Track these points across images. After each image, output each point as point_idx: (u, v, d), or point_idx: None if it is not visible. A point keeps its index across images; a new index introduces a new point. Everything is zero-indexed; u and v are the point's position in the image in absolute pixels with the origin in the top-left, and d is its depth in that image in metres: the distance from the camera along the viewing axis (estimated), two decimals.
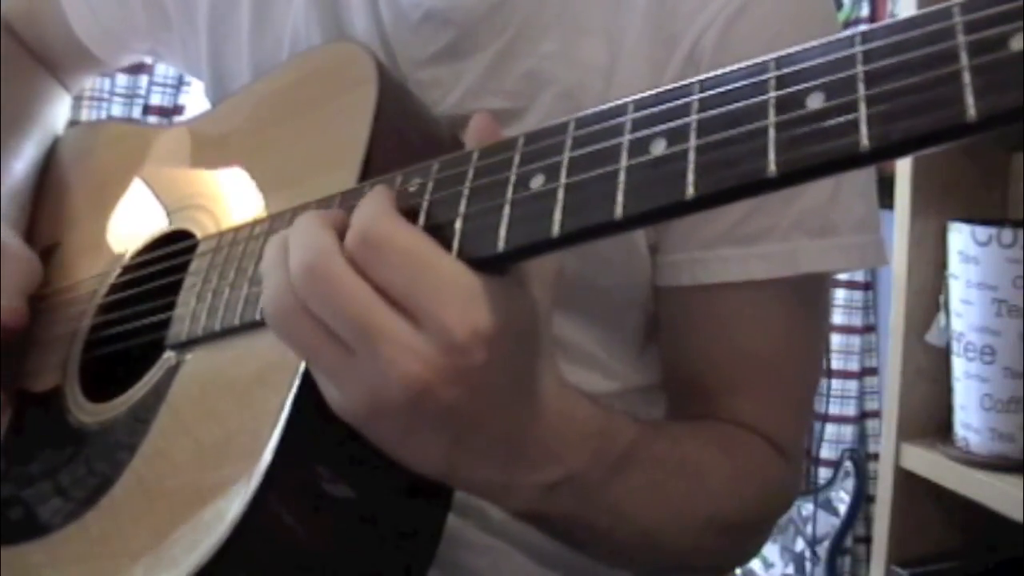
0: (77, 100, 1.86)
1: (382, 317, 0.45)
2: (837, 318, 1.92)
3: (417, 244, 0.46)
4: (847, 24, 1.86)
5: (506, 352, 0.47)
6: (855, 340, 1.94)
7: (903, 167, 1.41)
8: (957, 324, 1.34)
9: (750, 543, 0.72)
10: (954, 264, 1.34)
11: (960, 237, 1.32)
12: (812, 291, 0.70)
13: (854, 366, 1.94)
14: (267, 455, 0.50)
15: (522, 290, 0.48)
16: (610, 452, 0.56)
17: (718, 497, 0.64)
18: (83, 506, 0.61)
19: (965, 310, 1.32)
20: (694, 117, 0.41)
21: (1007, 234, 1.28)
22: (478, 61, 0.69)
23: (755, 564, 2.01)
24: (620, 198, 0.42)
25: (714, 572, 0.73)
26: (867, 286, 1.95)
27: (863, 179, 0.70)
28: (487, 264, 0.46)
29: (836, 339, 1.93)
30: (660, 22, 0.67)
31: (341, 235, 0.47)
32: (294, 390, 0.51)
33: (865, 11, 1.89)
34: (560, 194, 0.43)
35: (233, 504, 0.50)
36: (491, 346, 0.46)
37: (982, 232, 1.29)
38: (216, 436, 0.56)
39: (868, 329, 1.96)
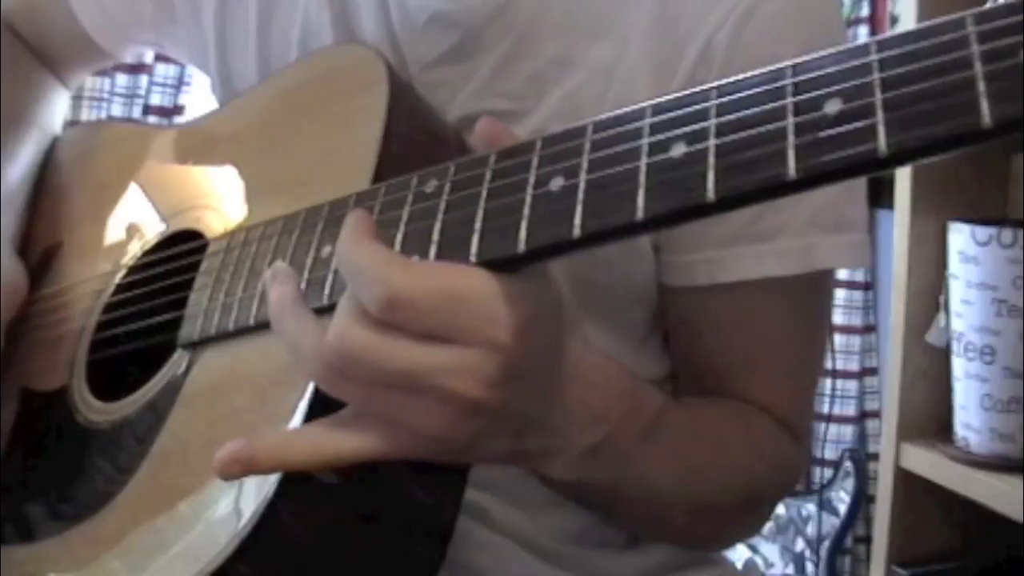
0: (77, 100, 1.87)
1: (428, 359, 0.46)
2: (837, 318, 1.92)
3: (439, 282, 0.46)
4: (847, 24, 1.87)
5: (542, 339, 0.48)
6: (855, 340, 1.94)
7: (903, 167, 1.42)
8: (957, 324, 1.34)
9: (759, 514, 0.74)
10: (954, 264, 1.34)
11: (960, 237, 1.33)
12: (822, 282, 0.72)
13: (854, 366, 1.95)
14: None
15: (544, 279, 0.49)
16: (642, 414, 0.57)
17: (732, 466, 0.66)
18: (95, 504, 0.61)
19: (965, 310, 1.32)
20: (713, 121, 0.41)
21: (1007, 234, 1.28)
22: (483, 63, 0.70)
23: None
24: (641, 200, 0.42)
25: (721, 544, 0.75)
26: (867, 286, 1.95)
27: (863, 179, 0.71)
28: (506, 264, 0.46)
29: (836, 339, 1.93)
30: (665, 23, 0.67)
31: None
32: (310, 389, 0.51)
33: (865, 11, 1.89)
34: (580, 195, 0.44)
35: (249, 504, 0.50)
36: (529, 338, 0.47)
37: (982, 232, 1.30)
38: (230, 435, 0.56)
39: (868, 329, 1.96)
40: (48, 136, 0.95)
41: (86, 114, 1.91)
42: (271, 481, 0.50)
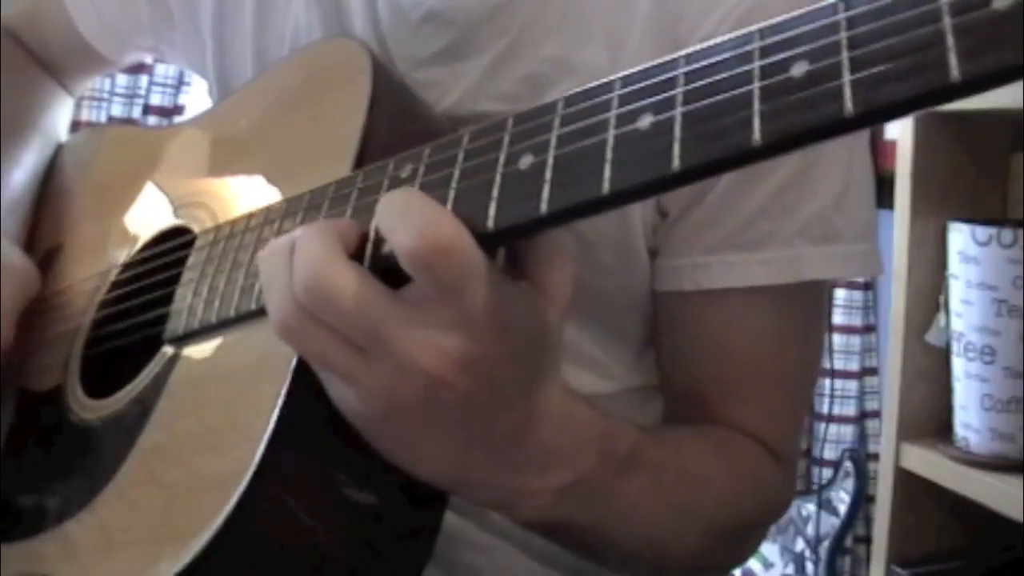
0: (77, 100, 1.87)
1: (393, 313, 0.45)
2: (837, 318, 1.92)
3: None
4: None
5: (514, 344, 0.47)
6: (855, 340, 1.94)
7: (903, 167, 1.41)
8: (957, 324, 1.34)
9: (747, 546, 0.72)
10: (954, 264, 1.34)
11: (960, 237, 1.32)
12: (811, 296, 0.70)
13: (854, 366, 1.94)
14: (264, 442, 0.50)
15: (533, 298, 0.48)
16: (613, 455, 0.56)
17: (718, 502, 0.64)
18: (85, 500, 0.61)
19: (965, 310, 1.32)
20: (680, 90, 0.41)
21: (1007, 234, 1.28)
22: (477, 63, 0.69)
23: (755, 564, 2.01)
24: (607, 174, 0.41)
25: (711, 573, 0.73)
26: (867, 286, 1.95)
27: (868, 186, 0.70)
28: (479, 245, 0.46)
29: (836, 339, 1.93)
30: (662, 27, 0.66)
31: (345, 240, 0.47)
32: (290, 377, 0.51)
33: None
34: (548, 172, 0.43)
35: (230, 492, 0.50)
36: (501, 334, 0.46)
37: (982, 232, 1.29)
38: (214, 426, 0.56)
39: (868, 329, 1.96)
40: (51, 141, 0.95)
41: (86, 114, 1.92)
42: (253, 467, 0.50)
